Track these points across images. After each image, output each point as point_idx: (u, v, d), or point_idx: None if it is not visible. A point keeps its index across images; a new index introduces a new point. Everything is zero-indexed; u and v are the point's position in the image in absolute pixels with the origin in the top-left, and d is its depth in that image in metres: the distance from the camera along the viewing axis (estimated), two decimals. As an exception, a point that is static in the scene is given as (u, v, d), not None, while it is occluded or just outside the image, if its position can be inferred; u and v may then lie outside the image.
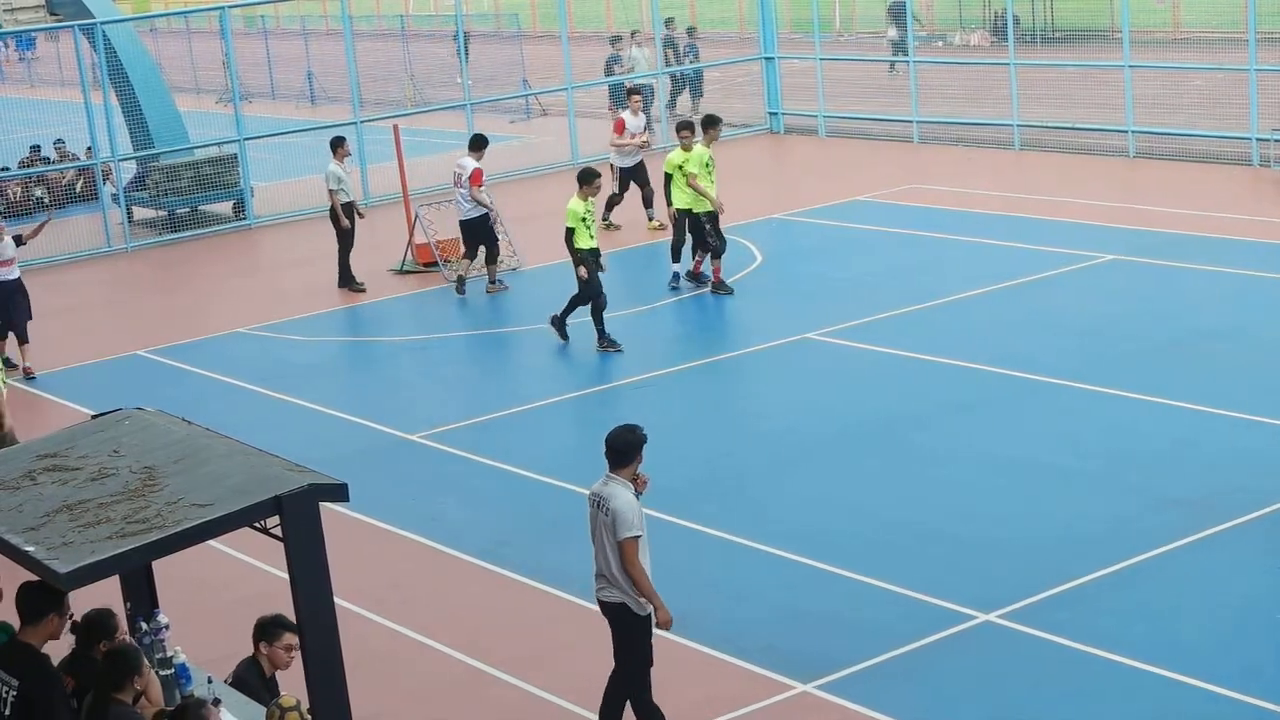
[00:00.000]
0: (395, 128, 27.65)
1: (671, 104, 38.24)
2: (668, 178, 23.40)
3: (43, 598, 9.37)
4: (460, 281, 24.39)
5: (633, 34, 38.96)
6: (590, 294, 20.53)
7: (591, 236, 20.61)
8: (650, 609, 10.97)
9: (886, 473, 16.19)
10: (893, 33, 43.53)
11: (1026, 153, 31.69)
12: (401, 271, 25.90)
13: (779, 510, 15.50)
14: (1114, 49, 33.22)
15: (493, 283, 24.58)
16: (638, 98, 28.52)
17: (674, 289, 23.14)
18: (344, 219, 24.84)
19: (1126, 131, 30.89)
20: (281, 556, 8.59)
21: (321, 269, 25.79)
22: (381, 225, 28.17)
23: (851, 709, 11.74)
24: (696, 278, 23.27)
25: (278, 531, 8.55)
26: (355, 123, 32.19)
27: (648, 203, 27.52)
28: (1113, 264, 22.85)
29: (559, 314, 20.96)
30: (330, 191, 24.91)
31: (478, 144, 24.87)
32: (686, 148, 22.91)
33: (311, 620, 8.57)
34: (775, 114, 36.55)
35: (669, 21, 39.72)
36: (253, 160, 31.75)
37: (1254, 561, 13.53)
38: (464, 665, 13.04)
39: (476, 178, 24.15)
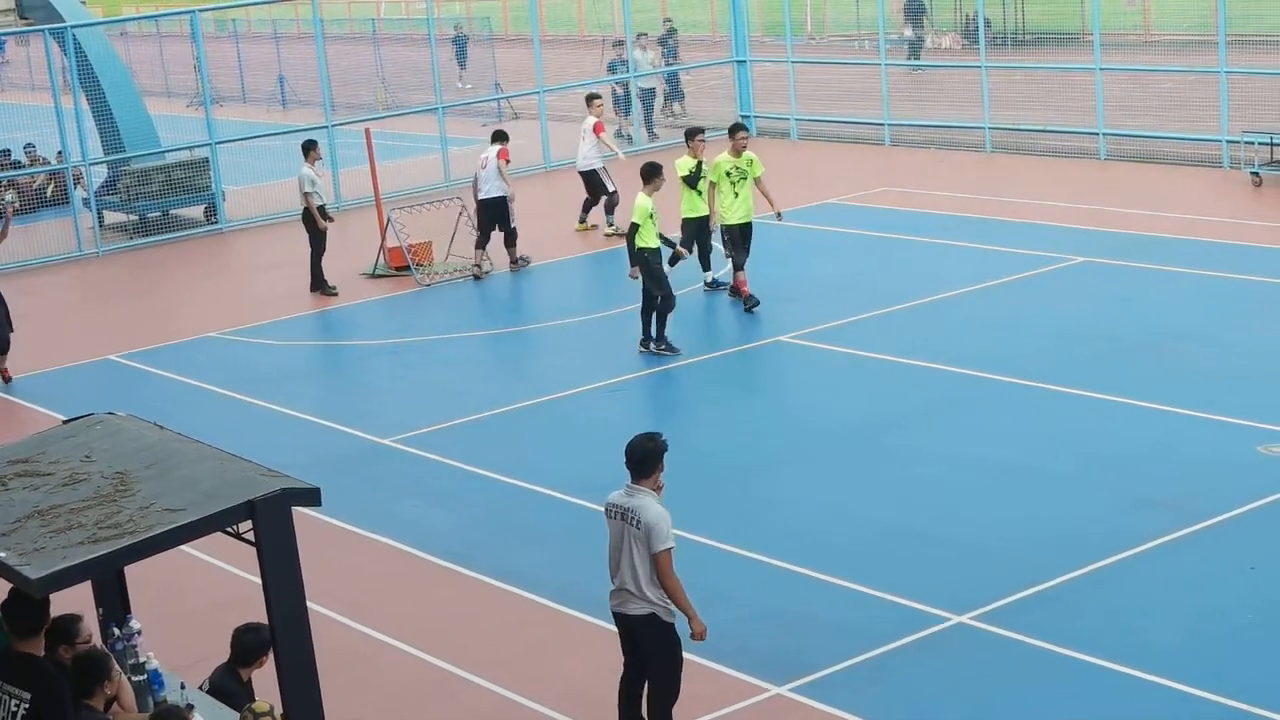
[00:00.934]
0: (367, 131, 27.63)
1: (666, 106, 38.41)
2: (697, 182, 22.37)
3: (35, 612, 9.29)
4: (477, 269, 25.12)
5: (638, 37, 38.96)
6: (661, 294, 20.20)
7: (653, 235, 20.23)
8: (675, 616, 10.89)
9: (861, 475, 16.22)
10: (909, 32, 43.77)
11: (997, 155, 31.79)
12: (374, 275, 25.88)
13: (754, 513, 15.53)
14: (1085, 52, 33.32)
15: (514, 262, 25.29)
16: (599, 102, 28.51)
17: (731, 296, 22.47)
18: (320, 220, 24.84)
19: (1097, 134, 31.00)
20: (254, 561, 8.58)
21: (293, 273, 25.74)
22: (354, 229, 28.19)
23: (825, 711, 11.76)
24: (740, 293, 22.14)
25: (250, 536, 8.54)
26: (327, 126, 32.17)
27: (610, 208, 27.56)
28: (1084, 266, 22.93)
29: (653, 336, 20.35)
30: (305, 194, 24.91)
31: (499, 137, 25.94)
32: (695, 154, 22.18)
33: (284, 624, 8.56)
34: (748, 117, 36.58)
35: (668, 25, 40.30)
36: (224, 164, 31.67)
37: (1225, 563, 13.58)
38: (436, 668, 13.03)
39: (504, 154, 25.33)
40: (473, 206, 25.67)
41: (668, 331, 20.31)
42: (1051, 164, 30.67)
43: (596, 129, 27.30)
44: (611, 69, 37.77)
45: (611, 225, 27.18)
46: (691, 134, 22.62)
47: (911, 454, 16.63)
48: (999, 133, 32.50)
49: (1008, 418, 17.40)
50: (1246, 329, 19.67)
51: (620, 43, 37.47)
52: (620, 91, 36.46)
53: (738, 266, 22.18)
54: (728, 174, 21.90)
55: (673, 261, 21.01)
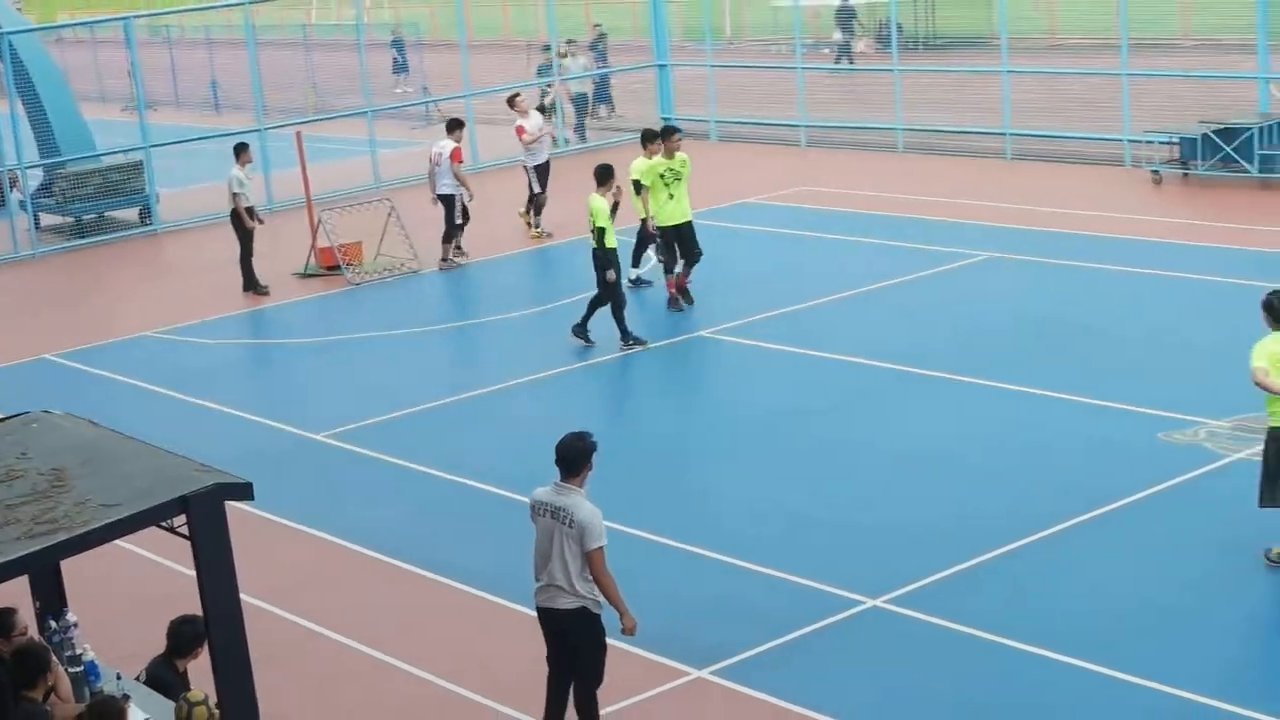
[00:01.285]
0: (298, 135, 27.52)
1: (593, 110, 38.44)
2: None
3: None
4: (456, 250, 25.68)
5: (569, 43, 39.01)
6: (611, 294, 20.22)
7: (613, 236, 20.15)
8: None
9: (780, 465, 16.30)
10: (839, 36, 44.36)
11: (910, 155, 31.97)
12: (305, 275, 25.79)
13: (674, 503, 15.60)
14: (993, 55, 33.55)
15: (444, 260, 25.58)
16: (522, 100, 28.38)
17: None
18: (248, 220, 24.75)
19: (1004, 134, 31.24)
20: (189, 554, 8.57)
21: (227, 273, 25.60)
22: (285, 230, 28.08)
23: (743, 692, 11.84)
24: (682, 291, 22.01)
25: (185, 530, 8.52)
26: (259, 130, 32.01)
27: (538, 209, 27.50)
28: (992, 261, 23.11)
29: (579, 321, 20.43)
30: (233, 195, 24.83)
31: (454, 126, 26.06)
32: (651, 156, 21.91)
33: (218, 615, 8.55)
34: (669, 119, 36.62)
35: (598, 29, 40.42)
36: (158, 167, 31.50)
37: (1129, 545, 13.74)
38: (367, 657, 13.02)
39: (457, 155, 25.50)
40: (430, 198, 25.86)
41: (590, 324, 20.44)
42: (961, 163, 30.87)
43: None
44: (540, 72, 37.71)
45: (538, 228, 27.14)
46: (669, 132, 22.22)
47: (828, 445, 16.74)
48: (912, 134, 32.72)
49: (919, 408, 17.53)
50: (1147, 321, 19.88)
51: (548, 48, 37.43)
52: (550, 95, 36.34)
53: (667, 269, 22.13)
54: (661, 176, 21.74)
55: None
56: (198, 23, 55.22)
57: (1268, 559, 13.09)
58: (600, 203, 20.06)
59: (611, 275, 20.10)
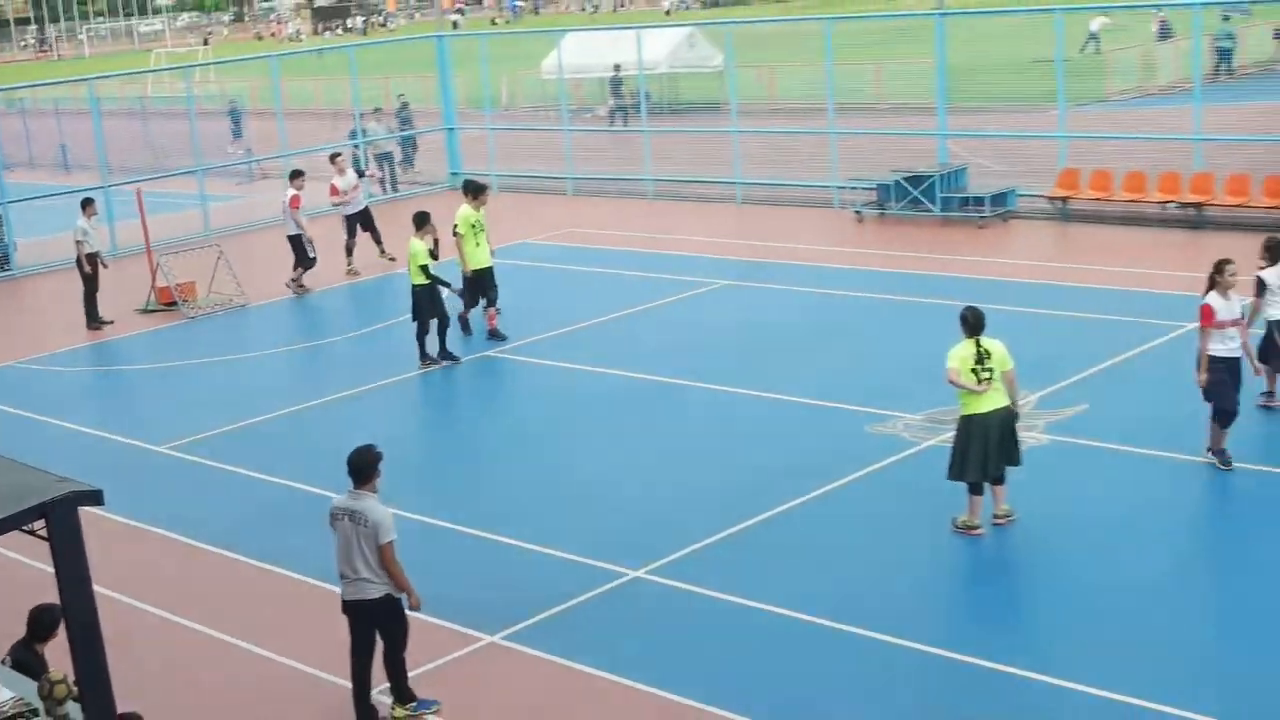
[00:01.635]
0: (138, 191, 26.95)
1: (403, 166, 38.21)
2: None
3: None
4: (299, 286, 25.60)
5: (375, 110, 38.75)
6: (423, 322, 19.97)
7: (422, 273, 19.76)
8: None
9: (554, 462, 16.28)
10: (612, 101, 45.07)
11: (658, 201, 32.22)
12: (146, 310, 25.15)
13: (468, 495, 15.47)
14: (725, 118, 33.97)
15: (294, 282, 25.50)
16: (340, 158, 28.08)
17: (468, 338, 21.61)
18: (87, 266, 24.28)
19: (735, 183, 31.65)
20: (48, 553, 8.29)
21: (76, 311, 24.84)
22: (129, 272, 27.39)
23: (528, 652, 11.81)
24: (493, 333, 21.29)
25: (44, 533, 8.25)
26: (104, 187, 31.12)
27: (377, 242, 27.34)
28: (728, 288, 23.37)
29: (440, 348, 20.05)
30: (76, 243, 24.45)
31: (295, 175, 26.03)
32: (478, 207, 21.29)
33: (74, 606, 8.27)
34: (456, 174, 36.47)
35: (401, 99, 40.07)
36: (15, 220, 30.50)
37: (848, 517, 13.96)
38: (209, 636, 12.72)
39: (294, 202, 25.40)
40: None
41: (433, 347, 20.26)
42: (700, 208, 31.18)
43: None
44: (351, 135, 37.23)
45: (383, 252, 27.17)
46: (481, 188, 21.66)
47: (598, 444, 16.76)
48: (660, 183, 32.98)
49: (672, 411, 17.63)
50: (855, 334, 20.25)
51: (362, 114, 37.01)
52: (359, 154, 35.87)
53: (468, 306, 21.49)
54: (473, 226, 21.19)
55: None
56: (48, 95, 53.57)
57: (953, 525, 13.44)
58: (419, 245, 19.81)
59: (447, 292, 19.95)
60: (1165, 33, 52.16)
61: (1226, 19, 46.62)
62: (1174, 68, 44.37)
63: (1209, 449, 14.39)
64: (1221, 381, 14.11)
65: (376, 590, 10.61)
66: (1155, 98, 41.13)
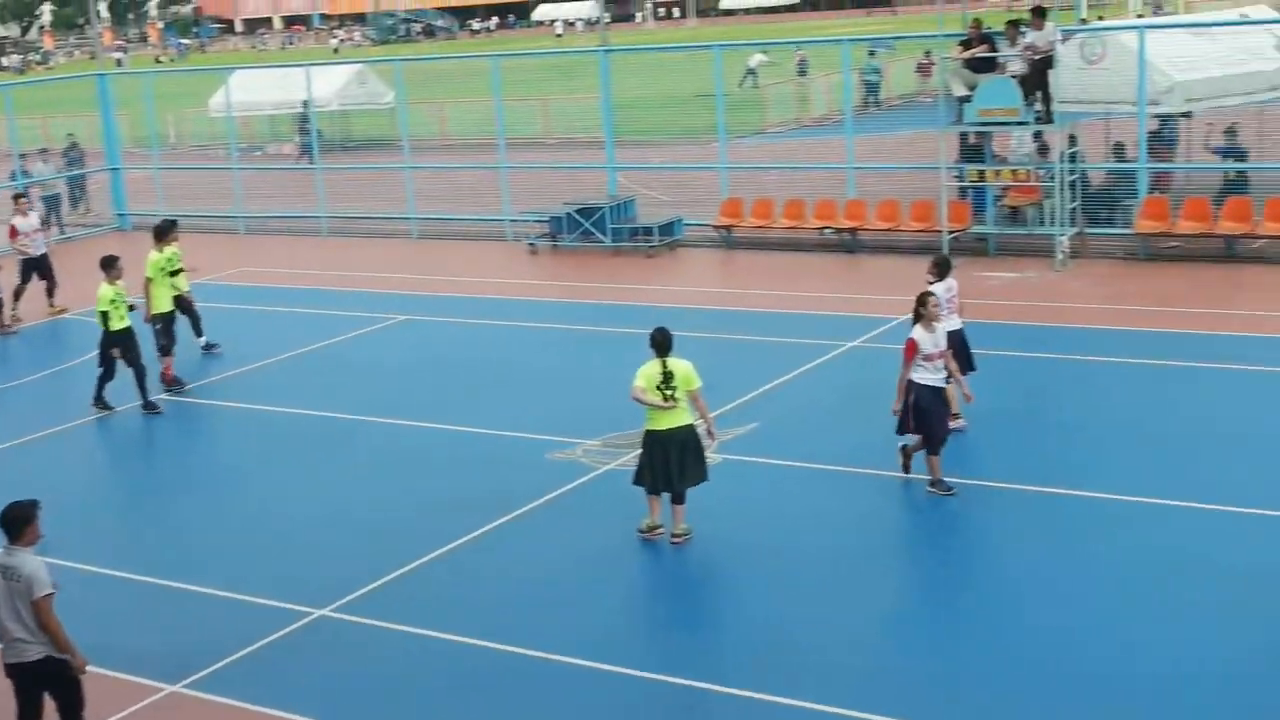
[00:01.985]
0: None
1: (75, 206, 36.77)
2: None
3: None
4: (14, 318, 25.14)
5: (41, 151, 37.47)
6: (108, 367, 19.33)
7: (122, 317, 19.13)
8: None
9: (237, 505, 15.80)
10: (298, 139, 43.75)
11: (333, 239, 31.77)
12: None
13: (143, 543, 14.87)
14: (398, 154, 33.76)
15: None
16: (24, 201, 26.80)
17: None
18: None
19: (410, 218, 31.48)
20: None
21: None
22: None
23: (213, 700, 11.40)
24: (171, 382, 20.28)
25: None
26: None
27: (49, 292, 26.04)
28: (407, 322, 23.19)
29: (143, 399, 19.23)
30: None
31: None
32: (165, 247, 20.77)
33: None
34: (123, 214, 35.26)
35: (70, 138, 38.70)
36: None
37: (532, 541, 13.95)
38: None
39: (11, 233, 25.59)
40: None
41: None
42: (376, 243, 30.90)
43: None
44: (12, 177, 35.52)
45: (15, 312, 25.65)
46: (167, 229, 21.14)
47: (280, 484, 16.36)
48: (334, 220, 32.53)
49: (350, 448, 17.32)
50: (533, 364, 20.31)
51: (24, 155, 35.35)
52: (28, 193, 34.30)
53: (165, 352, 20.49)
54: (162, 268, 20.57)
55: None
56: None
57: (638, 532, 13.72)
58: (106, 290, 19.11)
59: (116, 353, 19.17)
60: (803, 69, 54.66)
61: (872, 54, 48.86)
62: (826, 100, 46.26)
63: (930, 485, 14.35)
64: (931, 410, 14.22)
65: (35, 652, 9.92)
66: (810, 129, 42.76)
